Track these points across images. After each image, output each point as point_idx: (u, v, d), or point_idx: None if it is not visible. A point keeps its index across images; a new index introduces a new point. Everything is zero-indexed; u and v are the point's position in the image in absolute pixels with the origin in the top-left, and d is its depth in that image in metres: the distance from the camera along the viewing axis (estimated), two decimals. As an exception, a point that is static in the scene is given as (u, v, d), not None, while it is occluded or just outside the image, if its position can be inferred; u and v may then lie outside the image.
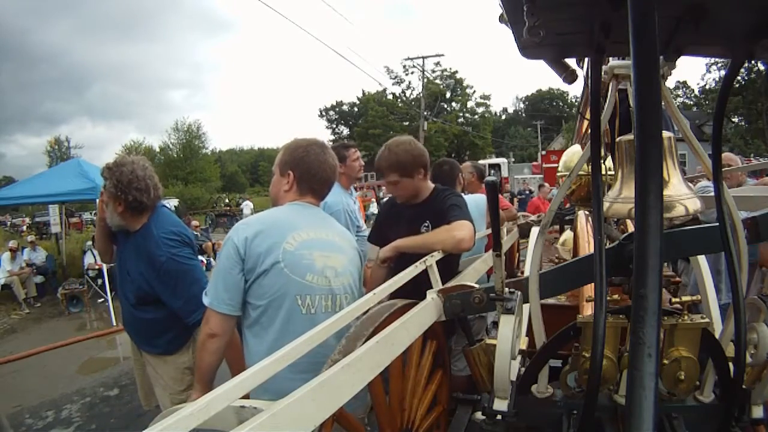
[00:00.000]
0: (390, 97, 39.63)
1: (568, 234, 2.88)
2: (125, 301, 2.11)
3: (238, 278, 1.41)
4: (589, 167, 1.09)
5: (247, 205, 19.91)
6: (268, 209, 1.63)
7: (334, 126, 45.21)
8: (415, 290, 1.35)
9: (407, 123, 36.95)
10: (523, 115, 59.43)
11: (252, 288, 1.43)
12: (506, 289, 1.16)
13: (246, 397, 0.72)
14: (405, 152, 2.01)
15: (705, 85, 31.72)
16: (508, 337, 1.10)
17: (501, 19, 1.00)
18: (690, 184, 1.15)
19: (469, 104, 43.58)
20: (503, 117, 59.91)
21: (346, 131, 43.63)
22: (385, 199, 2.49)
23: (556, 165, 5.76)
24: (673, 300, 1.14)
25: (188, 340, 2.09)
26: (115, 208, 1.98)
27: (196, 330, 2.01)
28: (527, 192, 15.54)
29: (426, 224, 2.10)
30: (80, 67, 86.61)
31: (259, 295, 1.42)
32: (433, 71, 38.86)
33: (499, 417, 1.16)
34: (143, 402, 2.35)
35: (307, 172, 1.58)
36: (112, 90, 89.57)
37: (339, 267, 1.54)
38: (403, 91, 39.50)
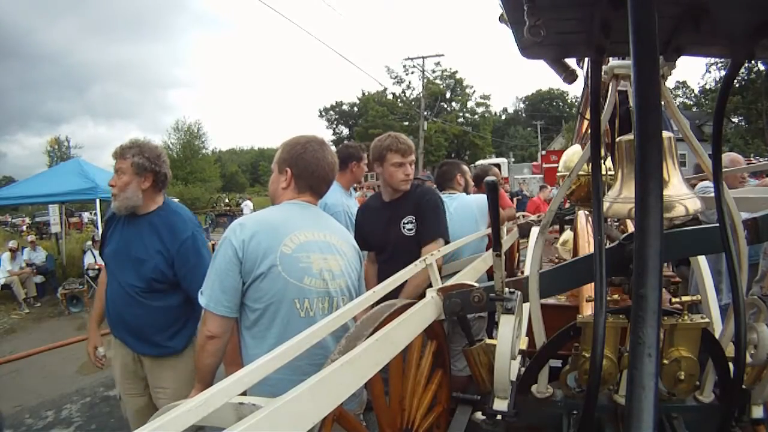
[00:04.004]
0: (390, 97, 39.64)
1: (568, 234, 2.88)
2: (129, 290, 1.96)
3: (237, 280, 1.40)
4: (589, 167, 1.09)
5: (247, 206, 19.90)
6: (265, 208, 1.62)
7: (334, 126, 45.24)
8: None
9: (407, 123, 36.97)
10: (523, 115, 59.42)
11: (249, 291, 1.42)
12: (506, 289, 1.16)
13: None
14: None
15: (705, 85, 31.80)
16: (508, 337, 1.10)
17: (501, 19, 1.00)
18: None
19: (469, 104, 43.66)
20: (503, 117, 59.89)
21: (346, 131, 43.64)
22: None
23: (556, 165, 5.75)
24: (673, 300, 1.14)
25: (192, 338, 2.06)
26: (140, 185, 1.97)
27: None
28: (522, 193, 15.66)
29: (410, 219, 2.19)
30: (82, 66, 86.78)
31: (256, 298, 1.42)
32: (433, 71, 38.90)
33: (499, 417, 1.16)
34: None
35: (305, 169, 1.57)
36: (113, 90, 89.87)
37: (336, 269, 1.53)
38: (403, 91, 39.55)
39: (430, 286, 1.36)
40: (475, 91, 43.54)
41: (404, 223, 2.23)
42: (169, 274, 1.95)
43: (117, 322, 2.05)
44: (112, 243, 2.07)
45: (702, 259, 1.62)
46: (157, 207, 2.03)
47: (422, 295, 1.30)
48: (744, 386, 1.14)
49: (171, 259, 1.94)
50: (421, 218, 2.21)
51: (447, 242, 2.18)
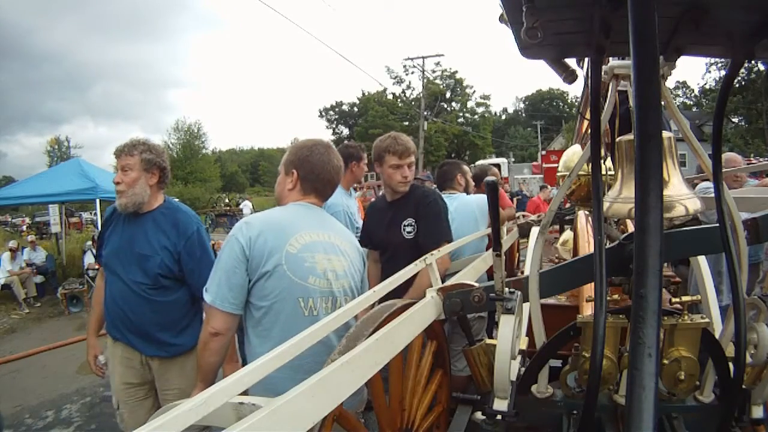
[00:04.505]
0: (390, 97, 39.65)
1: (568, 234, 2.88)
2: (135, 287, 1.93)
3: (243, 278, 1.42)
4: (589, 167, 1.09)
5: (246, 205, 19.91)
6: (269, 209, 1.64)
7: (334, 126, 45.25)
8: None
9: (407, 123, 36.96)
10: (523, 115, 59.44)
11: (254, 289, 1.44)
12: (506, 289, 1.16)
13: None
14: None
15: (705, 85, 31.81)
16: (508, 337, 1.10)
17: (501, 19, 1.00)
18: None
19: (469, 104, 43.65)
20: (503, 117, 59.90)
21: (346, 131, 43.64)
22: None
23: (556, 165, 5.75)
24: (673, 300, 1.14)
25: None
26: (148, 181, 1.99)
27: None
28: (522, 193, 15.76)
29: (409, 222, 2.20)
30: (83, 66, 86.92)
31: (261, 296, 1.43)
32: (433, 71, 38.88)
33: (499, 417, 1.16)
34: None
35: (311, 172, 1.60)
36: (114, 90, 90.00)
37: (339, 270, 1.56)
38: (403, 91, 39.57)
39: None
40: (475, 91, 43.57)
41: (404, 226, 2.24)
42: (175, 270, 1.95)
43: (121, 323, 1.99)
44: (112, 243, 2.04)
45: (702, 259, 1.62)
46: (159, 204, 2.05)
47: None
48: (744, 386, 1.14)
49: (177, 255, 1.95)
50: (423, 223, 2.21)
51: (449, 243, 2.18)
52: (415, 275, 1.60)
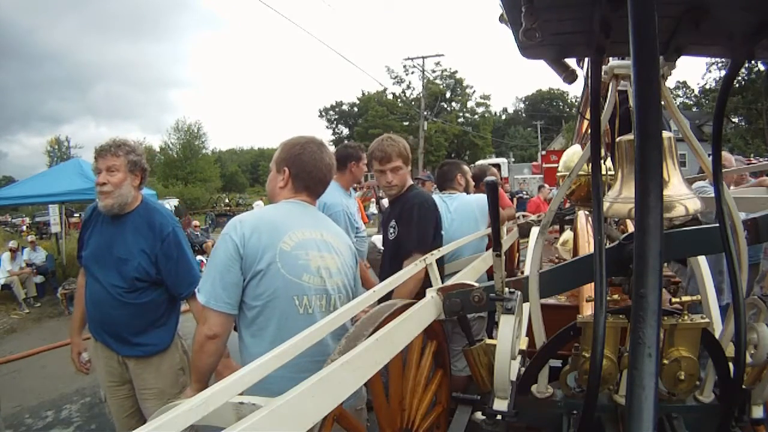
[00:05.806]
0: (390, 97, 39.65)
1: (568, 234, 2.88)
2: (111, 290, 1.93)
3: (238, 276, 1.39)
4: (589, 167, 1.09)
5: (258, 205, 19.81)
6: (263, 207, 1.63)
7: (334, 126, 45.27)
8: None
9: (407, 123, 36.96)
10: (523, 115, 59.41)
11: (248, 288, 1.41)
12: (506, 289, 1.16)
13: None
14: (405, 144, 2.30)
15: (705, 85, 31.81)
16: (508, 337, 1.10)
17: (501, 19, 1.00)
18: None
19: (469, 104, 43.62)
20: (503, 117, 59.87)
21: (346, 131, 43.65)
22: (383, 199, 2.64)
23: (556, 165, 5.76)
24: (673, 300, 1.14)
25: (175, 334, 2.07)
26: (132, 182, 1.98)
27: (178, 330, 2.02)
28: (521, 193, 15.87)
29: (392, 224, 2.27)
30: (83, 66, 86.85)
31: (255, 295, 1.41)
32: (433, 71, 38.87)
33: (499, 417, 1.16)
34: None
35: (303, 170, 1.58)
36: (114, 90, 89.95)
37: (333, 268, 1.55)
38: (403, 91, 39.55)
39: (429, 286, 1.36)
40: (475, 91, 43.55)
41: (389, 227, 2.28)
42: (152, 273, 1.94)
43: (100, 324, 2.01)
44: (91, 245, 2.03)
45: (702, 259, 1.62)
46: (137, 205, 2.02)
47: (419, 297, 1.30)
48: (744, 386, 1.15)
49: (155, 257, 1.93)
50: (401, 228, 2.23)
51: (425, 252, 2.12)
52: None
